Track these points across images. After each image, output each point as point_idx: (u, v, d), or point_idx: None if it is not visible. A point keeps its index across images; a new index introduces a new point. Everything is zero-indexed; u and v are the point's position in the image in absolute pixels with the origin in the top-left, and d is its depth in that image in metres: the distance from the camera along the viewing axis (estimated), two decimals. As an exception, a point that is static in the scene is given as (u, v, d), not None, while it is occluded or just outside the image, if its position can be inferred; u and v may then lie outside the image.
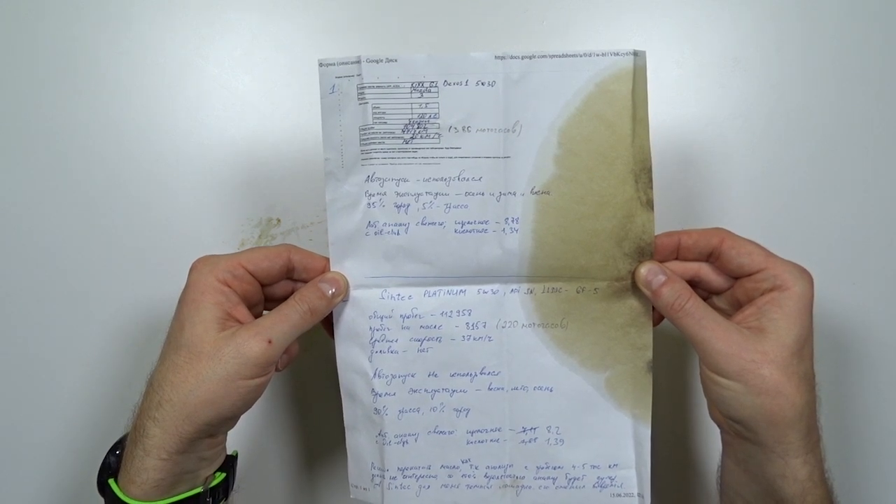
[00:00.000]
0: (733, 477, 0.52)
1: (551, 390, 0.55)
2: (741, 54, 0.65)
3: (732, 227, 0.52)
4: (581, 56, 0.49)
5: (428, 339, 0.54)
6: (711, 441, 0.68)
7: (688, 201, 0.66)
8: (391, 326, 0.54)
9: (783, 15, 0.65)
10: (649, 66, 0.50)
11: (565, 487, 0.56)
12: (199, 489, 0.51)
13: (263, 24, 0.67)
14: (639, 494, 0.55)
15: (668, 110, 0.66)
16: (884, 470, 0.68)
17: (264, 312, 0.55)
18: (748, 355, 0.47)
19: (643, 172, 0.51)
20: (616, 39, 0.66)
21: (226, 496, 0.53)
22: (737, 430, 0.49)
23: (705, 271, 0.53)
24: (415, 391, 0.55)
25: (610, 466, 0.55)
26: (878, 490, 0.68)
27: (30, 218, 0.67)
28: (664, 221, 0.56)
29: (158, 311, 0.67)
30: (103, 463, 0.52)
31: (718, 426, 0.53)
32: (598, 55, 0.49)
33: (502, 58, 0.49)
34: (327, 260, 0.54)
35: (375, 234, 0.53)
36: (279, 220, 0.67)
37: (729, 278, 0.52)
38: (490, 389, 0.55)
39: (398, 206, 0.52)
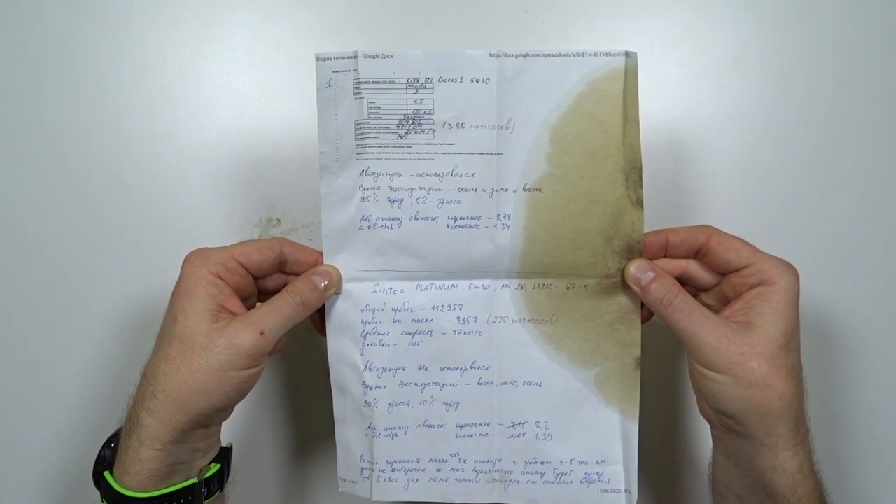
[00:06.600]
0: (724, 472, 0.55)
1: (540, 386, 0.58)
2: (741, 54, 0.68)
3: (732, 227, 0.55)
4: (574, 55, 0.52)
5: (419, 333, 0.57)
6: (702, 437, 0.70)
7: (687, 201, 0.69)
8: (383, 320, 0.57)
9: (783, 15, 0.68)
10: (649, 66, 0.53)
11: (553, 482, 0.58)
12: (195, 480, 0.53)
13: (263, 23, 0.70)
14: (626, 490, 0.58)
15: (668, 110, 0.68)
16: (873, 466, 0.70)
17: (257, 305, 0.56)
18: (737, 348, 0.50)
19: (633, 171, 0.54)
20: (616, 40, 0.68)
21: (220, 488, 0.56)
22: (726, 424, 0.52)
23: (693, 268, 0.56)
24: (405, 384, 0.58)
25: (597, 462, 0.58)
26: (868, 485, 0.71)
27: (30, 218, 0.70)
28: (665, 221, 0.59)
29: (158, 309, 0.67)
30: (98, 456, 0.54)
31: (708, 422, 0.56)
32: (590, 55, 0.52)
33: (497, 55, 0.52)
34: (319, 254, 0.57)
35: (369, 227, 0.56)
36: (279, 220, 0.70)
37: (716, 274, 0.55)
38: (479, 384, 0.58)
39: (392, 201, 0.55)
